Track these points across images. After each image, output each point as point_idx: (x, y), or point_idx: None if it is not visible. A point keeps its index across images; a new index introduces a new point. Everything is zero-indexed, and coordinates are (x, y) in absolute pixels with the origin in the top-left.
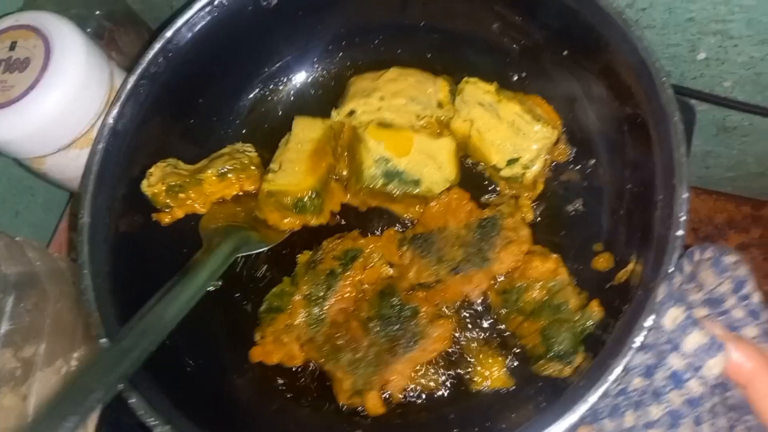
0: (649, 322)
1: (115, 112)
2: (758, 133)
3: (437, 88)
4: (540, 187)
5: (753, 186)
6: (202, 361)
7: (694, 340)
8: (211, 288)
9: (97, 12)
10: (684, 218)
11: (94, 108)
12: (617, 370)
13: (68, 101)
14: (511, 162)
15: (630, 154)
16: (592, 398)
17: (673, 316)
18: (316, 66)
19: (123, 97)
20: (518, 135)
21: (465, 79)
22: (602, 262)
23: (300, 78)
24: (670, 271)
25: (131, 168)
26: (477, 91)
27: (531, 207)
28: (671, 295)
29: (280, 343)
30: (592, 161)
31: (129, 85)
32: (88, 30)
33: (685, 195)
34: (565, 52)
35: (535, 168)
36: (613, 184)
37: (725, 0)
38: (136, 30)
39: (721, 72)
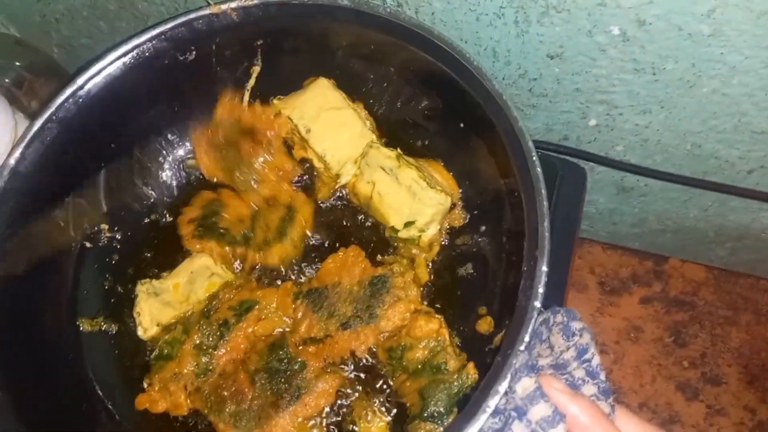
0: (503, 387)
1: (17, 153)
2: (654, 194)
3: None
4: (436, 249)
5: (657, 242)
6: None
7: (539, 411)
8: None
9: (17, 63)
10: (542, 290)
11: None
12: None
13: None
14: (408, 224)
15: (508, 225)
16: None
17: (524, 386)
18: None
19: (27, 139)
20: (414, 199)
21: (369, 142)
22: (484, 325)
23: None
24: (526, 339)
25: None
26: (379, 155)
27: (427, 268)
28: (527, 364)
29: (167, 392)
30: (483, 228)
31: (35, 128)
32: (7, 80)
33: (545, 268)
34: (461, 125)
35: (431, 231)
36: (495, 252)
37: (606, 74)
38: (58, 80)
39: (612, 137)
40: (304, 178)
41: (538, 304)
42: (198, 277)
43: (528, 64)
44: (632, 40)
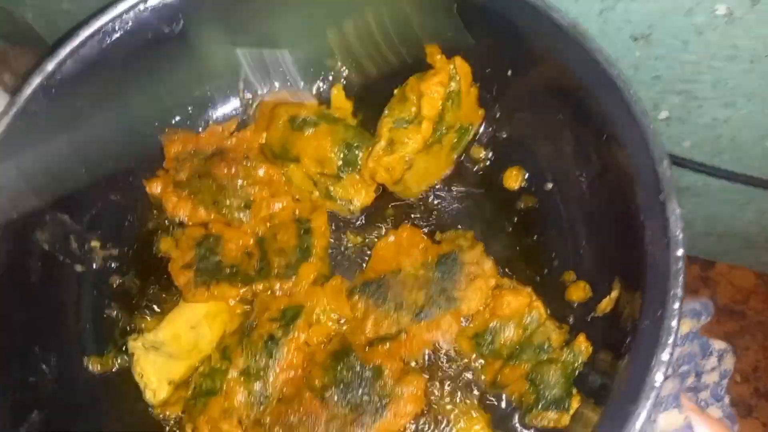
0: (665, 356)
1: None
2: (710, 195)
3: None
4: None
5: (698, 245)
6: None
7: None
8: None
9: None
10: (681, 236)
11: None
12: (643, 415)
13: None
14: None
15: (598, 175)
16: None
17: (671, 420)
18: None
19: None
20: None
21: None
22: (577, 292)
23: (234, 104)
24: (679, 294)
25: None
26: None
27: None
28: (675, 394)
29: None
30: (550, 185)
31: (2, 128)
32: None
33: (678, 210)
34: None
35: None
36: (577, 209)
37: (695, 60)
38: (34, 51)
39: (682, 132)
40: None
41: (680, 252)
42: (202, 322)
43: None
44: (737, 22)
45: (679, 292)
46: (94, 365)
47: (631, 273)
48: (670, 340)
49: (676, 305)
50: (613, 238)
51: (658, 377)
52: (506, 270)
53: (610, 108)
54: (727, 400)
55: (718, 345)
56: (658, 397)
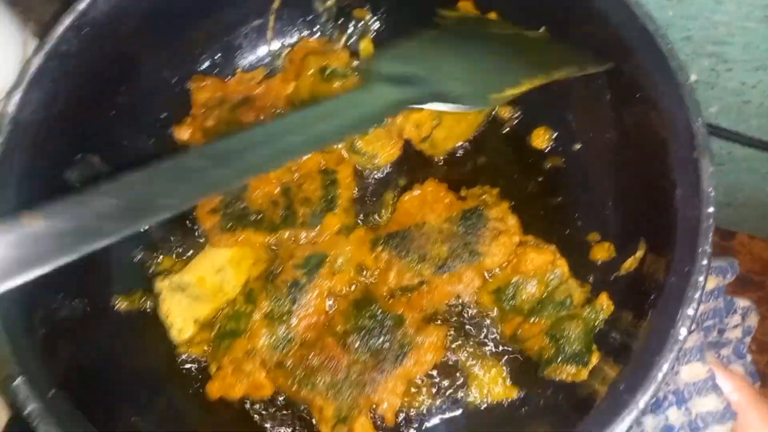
0: (690, 310)
1: (17, 98)
2: (734, 163)
3: None
4: None
5: (716, 215)
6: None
7: (707, 404)
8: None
9: None
10: (713, 194)
11: None
12: (666, 366)
13: None
14: None
15: (629, 134)
16: (642, 401)
17: (694, 372)
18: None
19: (26, 81)
20: None
21: None
22: (601, 252)
23: (261, 53)
24: (708, 250)
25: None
26: None
27: None
28: (699, 347)
29: (243, 373)
30: (578, 146)
31: (34, 67)
32: None
33: (711, 169)
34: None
35: None
36: (605, 169)
37: (727, 21)
38: None
39: (709, 97)
40: None
41: (711, 209)
42: (226, 266)
43: None
44: None
45: (708, 248)
46: (120, 303)
47: (658, 231)
48: (697, 295)
49: (705, 261)
50: (641, 197)
51: (683, 331)
52: (530, 229)
53: (646, 64)
54: (749, 357)
55: (742, 303)
56: (681, 350)
